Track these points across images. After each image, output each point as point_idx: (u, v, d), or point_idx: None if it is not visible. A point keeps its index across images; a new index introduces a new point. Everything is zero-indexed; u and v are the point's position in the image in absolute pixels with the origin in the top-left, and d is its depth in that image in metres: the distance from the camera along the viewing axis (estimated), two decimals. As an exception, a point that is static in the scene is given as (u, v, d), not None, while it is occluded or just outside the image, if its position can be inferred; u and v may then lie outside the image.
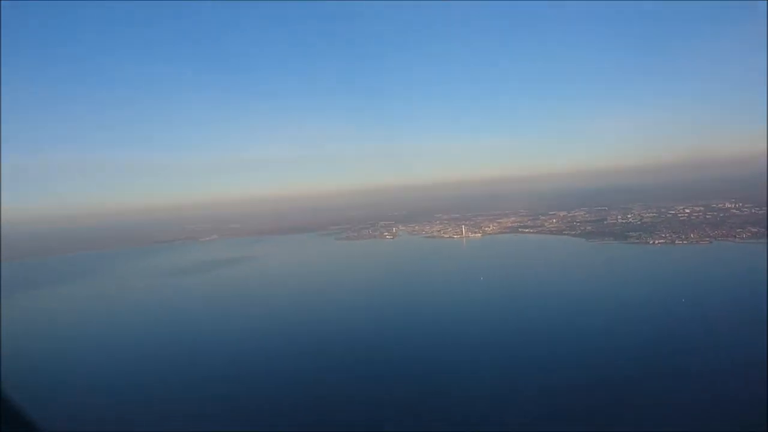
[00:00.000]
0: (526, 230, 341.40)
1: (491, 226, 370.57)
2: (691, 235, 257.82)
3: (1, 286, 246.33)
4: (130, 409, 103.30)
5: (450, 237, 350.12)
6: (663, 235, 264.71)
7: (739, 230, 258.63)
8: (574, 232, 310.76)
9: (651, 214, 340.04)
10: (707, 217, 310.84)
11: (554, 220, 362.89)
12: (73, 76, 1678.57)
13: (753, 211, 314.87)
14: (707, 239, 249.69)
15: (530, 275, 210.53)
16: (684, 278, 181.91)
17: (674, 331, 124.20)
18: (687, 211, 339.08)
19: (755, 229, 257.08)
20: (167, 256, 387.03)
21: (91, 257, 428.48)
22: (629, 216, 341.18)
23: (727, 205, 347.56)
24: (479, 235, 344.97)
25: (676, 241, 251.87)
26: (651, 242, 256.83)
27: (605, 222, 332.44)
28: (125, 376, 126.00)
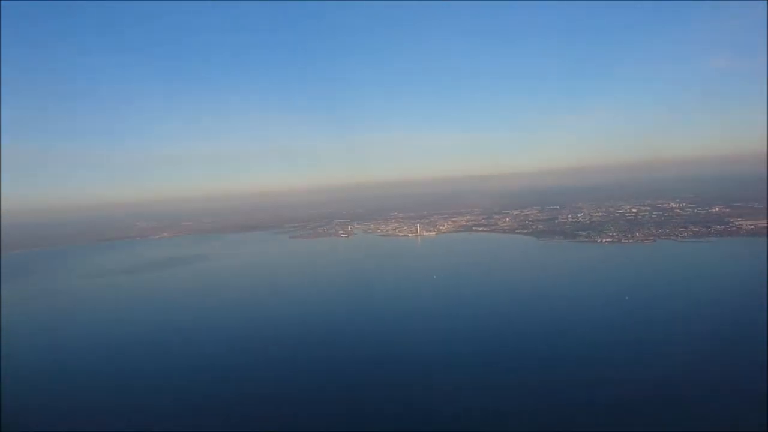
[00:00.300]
0: (480, 229, 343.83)
1: (446, 224, 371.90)
2: (637, 234, 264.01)
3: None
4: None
5: (405, 235, 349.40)
6: (610, 234, 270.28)
7: (681, 229, 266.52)
8: (526, 231, 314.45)
9: (600, 214, 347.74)
10: (653, 216, 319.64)
11: (507, 219, 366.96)
12: None
13: (695, 211, 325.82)
14: (651, 238, 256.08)
15: (481, 273, 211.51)
16: (628, 276, 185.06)
17: (615, 326, 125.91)
18: (634, 210, 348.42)
19: (696, 229, 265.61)
20: (113, 255, 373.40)
21: (37, 255, 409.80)
22: (579, 215, 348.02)
23: (672, 204, 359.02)
24: (434, 233, 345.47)
25: (623, 240, 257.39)
26: (599, 241, 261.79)
27: (556, 221, 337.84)
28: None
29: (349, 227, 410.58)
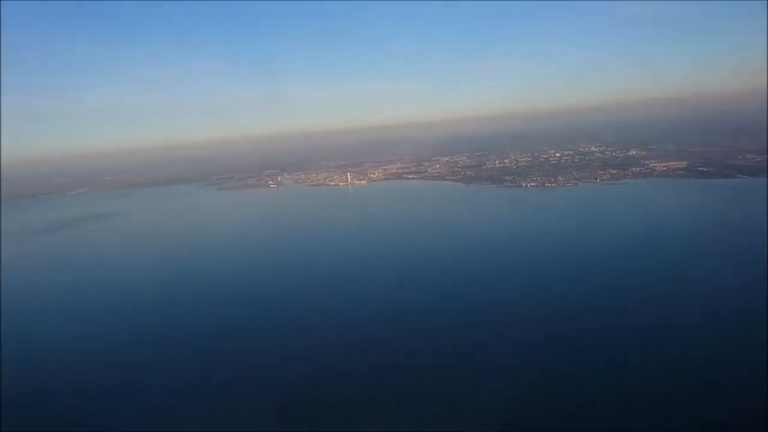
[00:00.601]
0: (410, 176, 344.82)
1: (376, 172, 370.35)
2: (559, 178, 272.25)
3: None
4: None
5: (336, 184, 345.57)
6: (534, 179, 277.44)
7: (600, 172, 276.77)
8: (455, 177, 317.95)
9: (526, 159, 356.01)
10: (575, 160, 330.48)
11: (437, 166, 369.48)
12: None
13: (614, 154, 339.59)
14: (573, 181, 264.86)
15: (411, 219, 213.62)
16: (549, 219, 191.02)
17: (536, 269, 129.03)
18: (558, 155, 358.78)
19: (614, 171, 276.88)
20: (27, 212, 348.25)
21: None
22: (506, 161, 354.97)
23: (593, 148, 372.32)
24: (365, 182, 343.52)
25: (546, 184, 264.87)
26: (523, 185, 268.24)
27: (484, 167, 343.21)
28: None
29: (279, 178, 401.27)
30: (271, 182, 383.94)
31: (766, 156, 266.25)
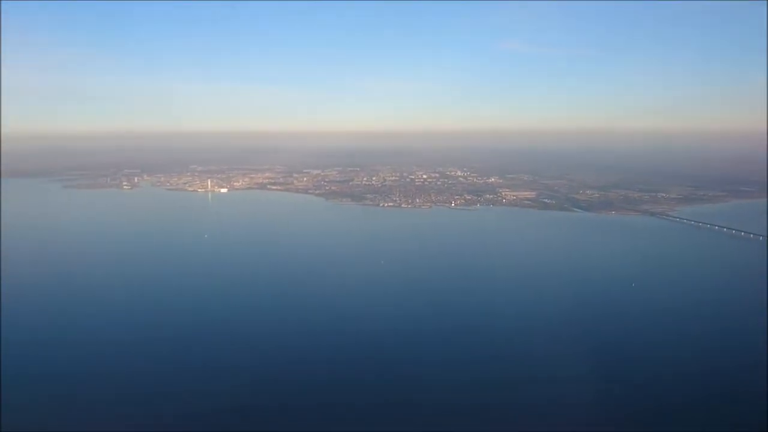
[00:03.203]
0: (275, 187, 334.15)
1: (241, 181, 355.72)
2: (417, 200, 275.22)
3: None
4: None
5: (194, 190, 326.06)
6: (394, 199, 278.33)
7: (457, 197, 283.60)
8: (318, 192, 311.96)
9: (394, 178, 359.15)
10: (438, 183, 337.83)
11: (305, 179, 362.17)
12: None
13: (476, 180, 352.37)
14: (429, 204, 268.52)
15: (254, 231, 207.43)
16: (390, 239, 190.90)
17: (362, 290, 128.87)
18: (425, 176, 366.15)
19: (470, 197, 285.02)
20: None
21: None
22: (374, 179, 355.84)
23: (458, 173, 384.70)
24: (226, 189, 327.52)
25: (403, 205, 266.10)
26: (381, 205, 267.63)
27: (351, 183, 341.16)
28: None
29: (137, 179, 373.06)
30: (125, 183, 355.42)
31: (600, 192, 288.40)
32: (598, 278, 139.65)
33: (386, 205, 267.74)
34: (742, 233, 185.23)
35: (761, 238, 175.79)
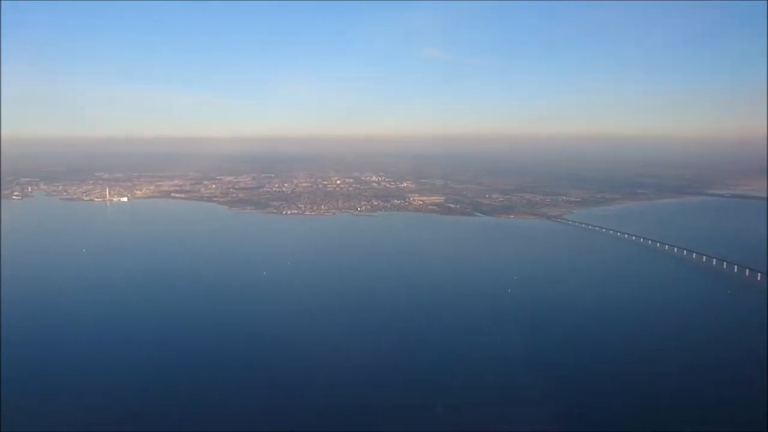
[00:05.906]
0: (179, 195, 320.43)
1: (145, 189, 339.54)
2: (322, 207, 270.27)
3: None
4: None
5: (92, 200, 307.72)
6: (299, 206, 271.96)
7: (364, 203, 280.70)
8: (224, 199, 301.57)
9: (307, 184, 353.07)
10: (350, 189, 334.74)
11: (214, 186, 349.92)
12: None
13: (389, 185, 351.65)
14: (333, 210, 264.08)
15: (133, 242, 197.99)
16: (278, 246, 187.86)
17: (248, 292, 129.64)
18: (339, 182, 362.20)
19: (377, 202, 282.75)
20: None
21: None
22: (286, 185, 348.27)
23: (374, 178, 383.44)
24: (126, 198, 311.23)
25: (307, 212, 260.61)
26: (285, 212, 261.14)
27: (261, 190, 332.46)
28: None
29: (30, 188, 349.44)
30: (16, 193, 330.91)
31: (504, 196, 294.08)
32: (471, 281, 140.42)
33: (289, 212, 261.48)
34: (618, 234, 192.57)
35: (634, 238, 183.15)
